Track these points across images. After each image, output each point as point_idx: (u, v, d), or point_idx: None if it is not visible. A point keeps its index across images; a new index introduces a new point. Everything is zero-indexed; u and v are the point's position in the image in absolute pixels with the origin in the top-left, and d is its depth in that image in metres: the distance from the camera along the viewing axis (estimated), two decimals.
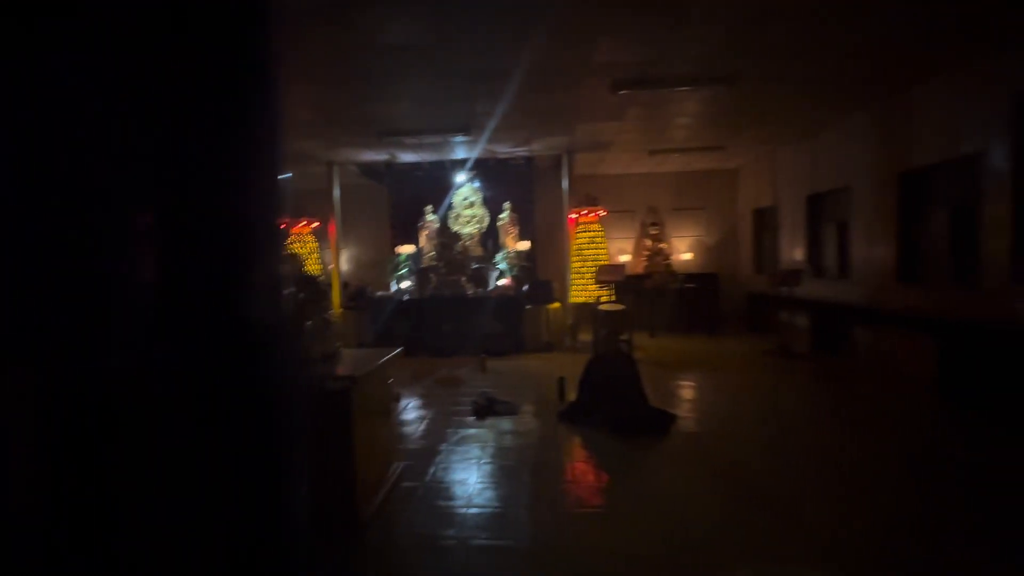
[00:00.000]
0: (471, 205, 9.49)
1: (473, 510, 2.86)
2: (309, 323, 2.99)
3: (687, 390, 5.39)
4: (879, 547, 2.40)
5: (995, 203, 4.68)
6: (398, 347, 3.57)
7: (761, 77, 5.19)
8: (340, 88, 5.18)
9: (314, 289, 3.16)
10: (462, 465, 3.51)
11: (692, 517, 2.72)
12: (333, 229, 8.67)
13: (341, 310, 8.34)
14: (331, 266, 8.77)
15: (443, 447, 3.88)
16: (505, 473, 3.36)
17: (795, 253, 8.20)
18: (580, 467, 3.49)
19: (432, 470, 3.44)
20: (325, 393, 2.49)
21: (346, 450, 2.57)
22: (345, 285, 9.12)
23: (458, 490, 3.11)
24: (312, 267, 8.51)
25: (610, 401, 4.25)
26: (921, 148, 5.60)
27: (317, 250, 8.72)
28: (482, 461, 3.57)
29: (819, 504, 2.83)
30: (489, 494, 3.05)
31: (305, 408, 2.57)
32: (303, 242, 8.52)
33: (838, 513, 2.71)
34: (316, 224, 8.80)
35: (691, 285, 9.27)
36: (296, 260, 3.10)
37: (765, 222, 9.61)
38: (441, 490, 3.13)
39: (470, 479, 3.27)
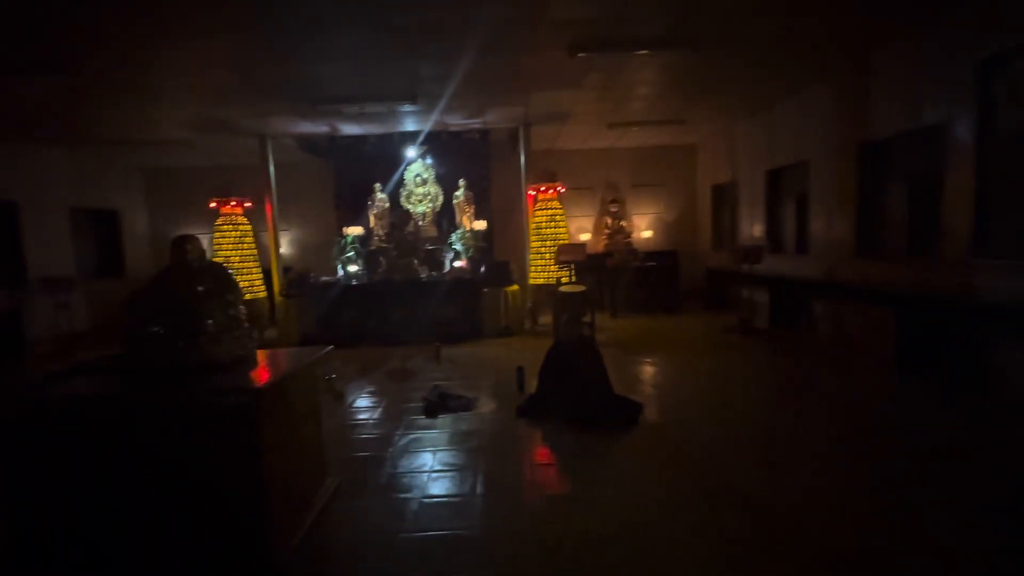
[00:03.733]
0: (423, 182, 8.89)
1: (418, 535, 2.46)
2: (210, 322, 2.46)
3: (650, 374, 5.16)
4: (846, 533, 2.18)
5: (958, 174, 4.57)
6: (342, 345, 3.10)
7: (723, 41, 4.87)
8: (256, 43, 4.48)
9: (219, 280, 2.62)
10: (409, 476, 3.09)
11: (665, 527, 2.42)
12: (270, 209, 7.89)
13: (282, 298, 7.65)
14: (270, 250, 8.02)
15: (389, 452, 3.45)
16: (457, 484, 2.97)
17: (754, 229, 8.12)
18: (540, 474, 3.15)
19: (374, 484, 3.01)
20: (220, 411, 2.00)
21: (252, 476, 2.09)
22: (287, 270, 8.41)
23: (403, 509, 2.70)
24: (245, 251, 7.73)
25: (573, 392, 3.92)
26: (881, 118, 5.47)
27: (251, 233, 7.93)
28: (432, 470, 3.17)
29: (786, 494, 2.60)
30: (439, 513, 2.66)
31: (193, 430, 2.08)
32: (234, 224, 7.71)
33: (802, 501, 2.49)
34: (249, 204, 7.98)
35: (651, 263, 9.10)
36: (195, 245, 2.53)
37: (724, 198, 9.51)
38: (383, 510, 2.71)
39: (417, 494, 2.86)
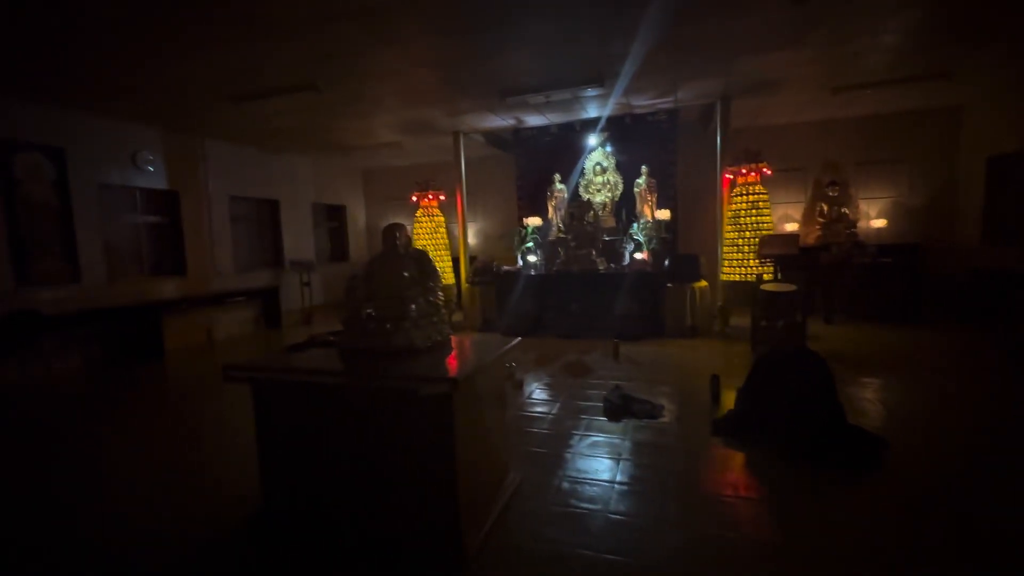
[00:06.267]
0: (603, 171, 8.59)
1: (602, 556, 2.21)
2: (414, 307, 2.56)
3: (884, 400, 4.06)
4: None
5: None
6: (519, 334, 3.04)
7: None
8: (453, 41, 4.67)
9: (422, 267, 2.73)
10: (590, 485, 2.87)
11: None
12: (460, 201, 8.47)
13: (468, 285, 8.17)
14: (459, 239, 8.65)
15: (568, 453, 3.29)
16: (645, 505, 2.65)
17: None
18: (743, 510, 2.63)
19: (554, 486, 2.86)
20: (419, 399, 2.01)
21: (446, 467, 2.08)
22: (472, 259, 8.96)
23: (584, 523, 2.49)
24: (438, 240, 8.45)
25: (790, 413, 3.24)
26: None
27: (444, 224, 8.62)
28: (616, 481, 2.90)
29: None
30: (625, 535, 2.38)
31: (393, 413, 2.15)
32: (431, 215, 8.47)
33: None
34: (443, 197, 8.69)
35: (885, 259, 7.33)
36: (403, 233, 2.66)
37: (1008, 174, 7.13)
38: (562, 519, 2.53)
39: (599, 507, 2.62)
